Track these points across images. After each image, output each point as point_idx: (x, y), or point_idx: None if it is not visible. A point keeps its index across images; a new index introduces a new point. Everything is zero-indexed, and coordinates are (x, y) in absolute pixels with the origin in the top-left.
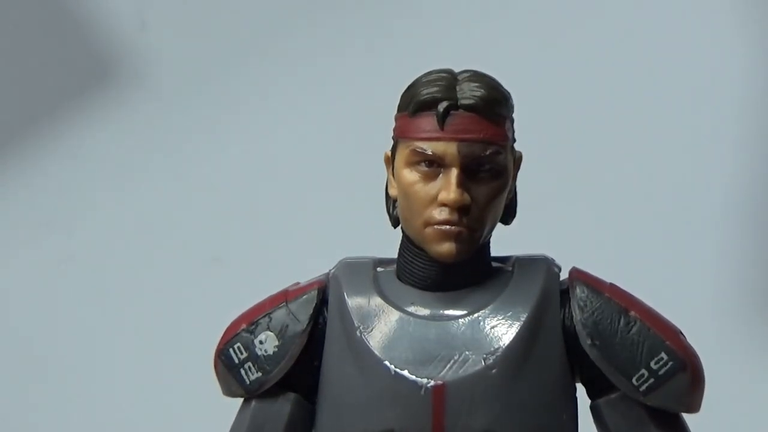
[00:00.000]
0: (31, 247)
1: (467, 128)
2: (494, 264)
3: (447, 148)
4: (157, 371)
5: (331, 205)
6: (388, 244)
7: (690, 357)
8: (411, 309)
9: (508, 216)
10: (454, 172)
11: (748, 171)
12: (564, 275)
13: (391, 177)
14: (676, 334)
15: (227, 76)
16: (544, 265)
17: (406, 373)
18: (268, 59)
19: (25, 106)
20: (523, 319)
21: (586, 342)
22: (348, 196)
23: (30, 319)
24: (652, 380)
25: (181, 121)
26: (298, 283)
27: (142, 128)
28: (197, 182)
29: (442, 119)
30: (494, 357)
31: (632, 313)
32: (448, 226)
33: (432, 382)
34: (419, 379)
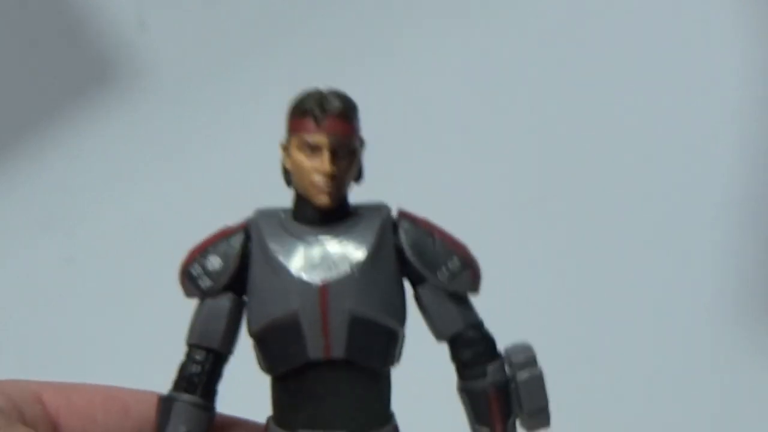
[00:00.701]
0: (31, 247)
1: (333, 127)
2: (352, 209)
3: (322, 139)
4: (158, 372)
5: None
6: None
7: (472, 261)
8: (303, 237)
9: (358, 178)
10: (326, 154)
11: (748, 171)
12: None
13: (286, 156)
14: (464, 248)
15: (226, 76)
16: (383, 208)
17: (302, 275)
18: (267, 59)
19: (25, 106)
20: (370, 240)
21: (409, 252)
22: None
23: (30, 319)
24: (449, 274)
25: (181, 120)
26: (228, 226)
27: (142, 128)
28: (197, 182)
29: (318, 121)
30: (354, 264)
31: (436, 234)
32: (324, 187)
33: (319, 281)
34: (311, 279)
